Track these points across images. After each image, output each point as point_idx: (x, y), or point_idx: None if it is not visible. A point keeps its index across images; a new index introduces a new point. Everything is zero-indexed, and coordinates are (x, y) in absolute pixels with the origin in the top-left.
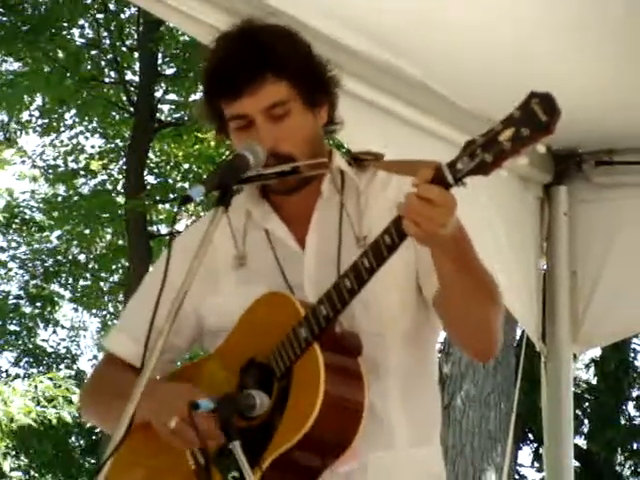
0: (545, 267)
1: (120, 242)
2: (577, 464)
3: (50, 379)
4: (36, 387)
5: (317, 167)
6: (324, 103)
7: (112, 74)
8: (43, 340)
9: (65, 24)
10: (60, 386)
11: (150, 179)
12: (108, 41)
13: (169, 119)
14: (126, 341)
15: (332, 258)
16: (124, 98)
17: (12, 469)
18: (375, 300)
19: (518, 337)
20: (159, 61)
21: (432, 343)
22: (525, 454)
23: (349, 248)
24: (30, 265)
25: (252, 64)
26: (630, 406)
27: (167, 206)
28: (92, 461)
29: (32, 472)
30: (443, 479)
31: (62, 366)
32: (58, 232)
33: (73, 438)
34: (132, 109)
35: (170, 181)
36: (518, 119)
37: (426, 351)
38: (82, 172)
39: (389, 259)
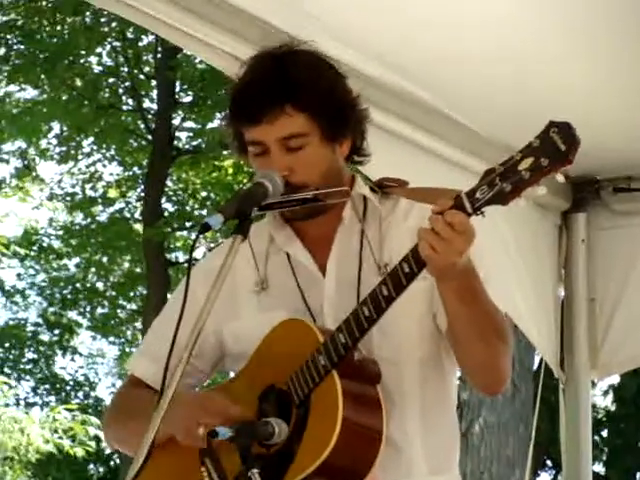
0: (563, 294)
1: (138, 270)
2: None
3: (68, 410)
4: (54, 418)
5: (338, 195)
6: (346, 137)
7: (130, 102)
8: (61, 368)
9: (83, 52)
10: (77, 417)
11: (168, 207)
12: (126, 69)
13: (187, 147)
14: (148, 364)
15: (352, 284)
16: (142, 126)
17: None
18: (394, 328)
19: (536, 364)
20: (177, 89)
21: (451, 372)
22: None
23: (369, 275)
24: (48, 293)
25: (274, 94)
26: None
27: (185, 234)
28: None
29: None
30: None
31: (80, 394)
32: (76, 260)
33: (92, 466)
34: (150, 137)
35: (188, 209)
36: (537, 148)
37: (444, 379)
38: (100, 200)
39: (408, 288)
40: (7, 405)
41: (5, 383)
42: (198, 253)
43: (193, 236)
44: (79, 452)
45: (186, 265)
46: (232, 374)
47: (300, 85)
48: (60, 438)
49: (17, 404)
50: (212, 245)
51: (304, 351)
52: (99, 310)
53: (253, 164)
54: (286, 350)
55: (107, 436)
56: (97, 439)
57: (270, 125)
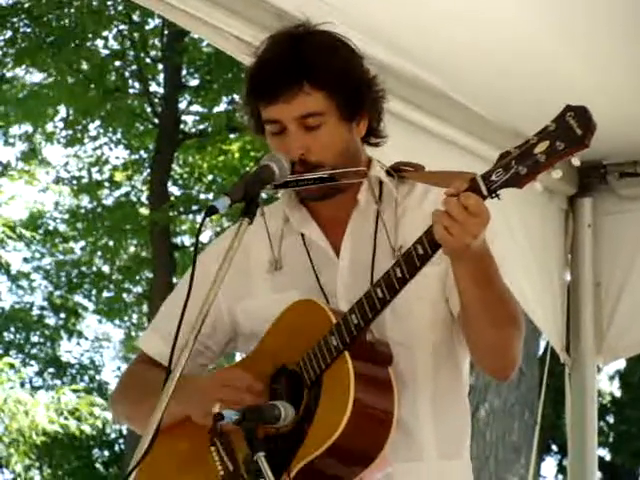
0: (569, 279)
1: (144, 253)
2: (600, 476)
3: (73, 391)
4: (59, 399)
5: (354, 175)
6: (363, 117)
7: (136, 85)
8: (67, 351)
9: (89, 35)
10: (82, 398)
11: (174, 190)
12: (132, 52)
13: (193, 130)
14: (158, 341)
15: (366, 266)
16: (148, 109)
17: None
18: (407, 311)
19: (542, 349)
20: (183, 72)
21: (463, 357)
22: (549, 466)
23: (384, 257)
24: (54, 276)
25: (291, 72)
26: None
27: (191, 217)
28: (115, 472)
29: None
30: None
31: (85, 377)
32: (82, 243)
33: (96, 450)
34: (156, 120)
35: (194, 192)
36: (553, 132)
37: (457, 365)
38: (106, 183)
39: (422, 269)
40: (12, 388)
41: (11, 366)
42: (204, 236)
43: (199, 220)
44: (86, 429)
45: (192, 249)
46: (238, 357)
47: (317, 63)
48: (65, 419)
49: (22, 387)
50: (218, 229)
51: (316, 332)
52: (105, 294)
53: (270, 143)
54: (298, 331)
55: (116, 412)
56: (102, 422)
57: (287, 104)
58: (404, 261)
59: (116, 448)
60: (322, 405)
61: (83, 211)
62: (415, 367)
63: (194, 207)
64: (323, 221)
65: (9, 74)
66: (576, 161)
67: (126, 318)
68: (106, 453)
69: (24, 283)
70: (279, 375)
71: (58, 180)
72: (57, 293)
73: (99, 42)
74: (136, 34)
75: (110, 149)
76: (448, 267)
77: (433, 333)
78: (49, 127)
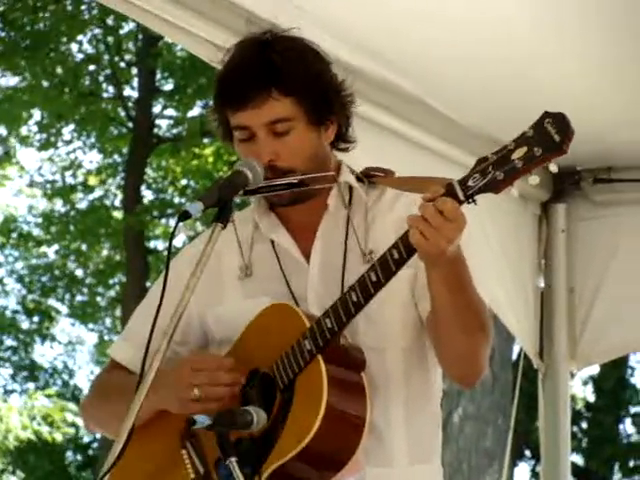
0: (543, 284)
1: (117, 257)
2: None
3: (47, 396)
4: (32, 405)
5: (324, 180)
6: (332, 122)
7: (110, 89)
8: (40, 355)
9: (64, 40)
10: (55, 403)
11: (148, 194)
12: (107, 56)
13: (167, 135)
14: (129, 348)
15: (337, 271)
16: (122, 113)
17: None
18: (379, 315)
19: (515, 354)
20: (157, 77)
21: (434, 361)
22: (522, 471)
23: (354, 262)
24: (27, 280)
25: (259, 78)
26: (628, 423)
27: (164, 222)
28: (88, 477)
29: None
30: None
31: (59, 381)
32: (55, 247)
33: (69, 454)
34: (130, 124)
35: (168, 197)
36: (531, 138)
37: (428, 369)
38: (80, 187)
39: (397, 274)
40: None
41: None
42: (178, 241)
43: (173, 224)
44: (58, 437)
45: (165, 253)
46: None
47: (285, 69)
48: (38, 425)
49: None
50: (192, 233)
51: (289, 335)
52: (78, 297)
53: (238, 150)
54: (272, 334)
55: (86, 418)
56: (75, 426)
57: (256, 110)
58: (379, 265)
59: (90, 452)
60: (294, 409)
61: (57, 215)
62: (387, 371)
63: (168, 211)
64: (293, 227)
65: None
66: (554, 167)
67: (99, 322)
68: (79, 457)
69: None
70: (252, 378)
71: (32, 184)
72: (30, 297)
73: (73, 46)
74: (110, 38)
75: (84, 153)
76: (417, 272)
77: (404, 336)
78: (23, 130)
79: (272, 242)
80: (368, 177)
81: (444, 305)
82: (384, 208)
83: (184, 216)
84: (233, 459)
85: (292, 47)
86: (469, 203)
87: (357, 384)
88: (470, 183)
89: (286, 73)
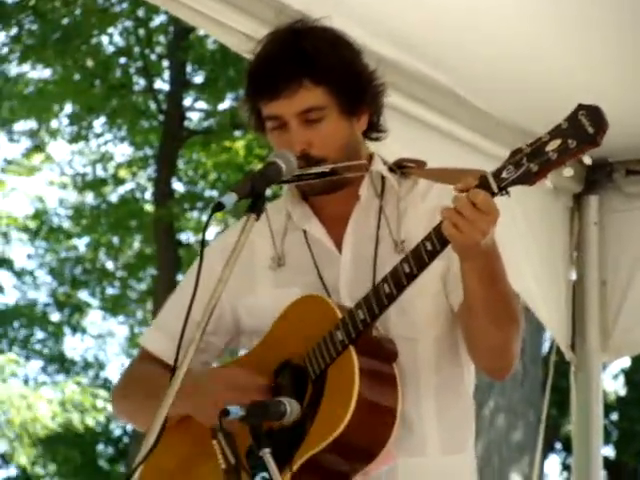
0: (575, 277)
1: (148, 250)
2: (605, 474)
3: (77, 383)
4: (63, 392)
5: (356, 169)
6: (364, 111)
7: (141, 82)
8: (71, 348)
9: (95, 32)
10: (85, 391)
11: (179, 187)
12: (137, 49)
13: (198, 127)
14: (161, 338)
15: (368, 261)
16: (153, 106)
17: (40, 476)
18: (410, 305)
19: (546, 347)
20: (188, 69)
21: (466, 352)
22: (552, 464)
23: (386, 252)
24: (58, 273)
25: (291, 68)
26: None
27: (195, 214)
28: (120, 469)
29: (59, 479)
30: None
31: (89, 374)
32: (86, 240)
33: (101, 446)
34: (161, 117)
35: (198, 190)
36: (565, 130)
37: (460, 359)
38: (110, 180)
39: (430, 265)
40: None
41: (15, 362)
42: (210, 233)
43: (204, 217)
44: (89, 423)
45: (196, 246)
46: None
47: (317, 58)
48: (68, 412)
49: (26, 383)
50: (223, 226)
51: (322, 327)
52: (109, 290)
53: (271, 140)
54: (303, 326)
55: (117, 408)
56: (106, 417)
57: (288, 99)
58: (412, 257)
59: (120, 445)
60: (326, 400)
61: (87, 207)
62: (418, 362)
63: (198, 204)
64: (325, 217)
65: (15, 71)
66: (587, 159)
67: (130, 315)
68: (110, 450)
69: (28, 279)
70: (283, 369)
71: (63, 176)
72: (61, 289)
73: (104, 39)
74: (141, 31)
75: (115, 145)
76: (450, 263)
77: (435, 327)
78: (54, 123)
79: (304, 232)
80: (400, 168)
81: (477, 297)
82: (416, 199)
83: (218, 207)
84: (267, 450)
85: (323, 36)
86: (502, 195)
87: (389, 375)
88: (504, 175)
89: (318, 62)
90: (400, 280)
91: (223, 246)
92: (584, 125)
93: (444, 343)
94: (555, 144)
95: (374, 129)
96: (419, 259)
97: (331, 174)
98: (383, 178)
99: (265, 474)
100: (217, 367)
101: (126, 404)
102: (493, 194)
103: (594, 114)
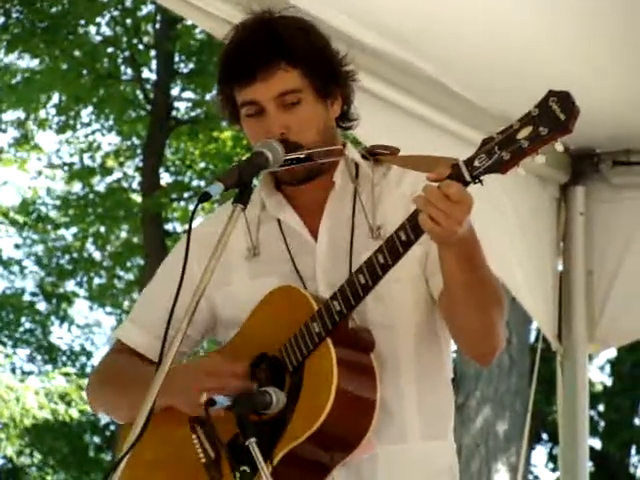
0: (561, 267)
1: (135, 240)
2: (591, 465)
3: (65, 374)
4: (50, 383)
5: (331, 155)
6: (337, 96)
7: (129, 72)
8: (58, 337)
9: (82, 22)
10: (72, 382)
11: (166, 177)
12: (125, 39)
13: (185, 117)
14: (137, 331)
15: (345, 248)
16: (140, 96)
17: (26, 466)
18: (388, 292)
19: (533, 337)
20: (176, 59)
21: (446, 336)
22: (539, 454)
23: (362, 238)
24: (45, 263)
25: (266, 51)
26: None
27: (183, 204)
28: (107, 458)
29: (46, 469)
30: (455, 473)
31: (77, 364)
32: (74, 230)
33: (87, 435)
34: (148, 107)
35: (186, 179)
36: (536, 118)
37: (439, 344)
38: (98, 170)
39: (404, 255)
40: (2, 372)
41: (1, 352)
42: (197, 223)
43: (191, 207)
44: (74, 414)
45: (183, 236)
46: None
47: (291, 42)
48: (55, 404)
49: (13, 373)
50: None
51: (297, 318)
52: (96, 280)
53: (246, 128)
54: (279, 317)
55: (94, 401)
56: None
57: (265, 82)
58: (387, 247)
59: (107, 433)
60: (304, 392)
61: (75, 197)
62: (397, 348)
63: (186, 194)
64: (300, 206)
65: (2, 60)
66: (560, 146)
67: (117, 305)
68: (97, 439)
69: (15, 269)
70: (260, 361)
71: (50, 166)
72: (48, 279)
73: (92, 28)
74: (129, 20)
75: (102, 135)
76: (428, 249)
77: (414, 314)
78: (42, 113)
79: (279, 222)
80: (373, 155)
81: (457, 282)
82: (391, 184)
83: (204, 197)
84: (253, 440)
85: (294, 23)
86: (475, 183)
87: (367, 366)
88: (476, 163)
89: (292, 46)
90: (375, 270)
91: (200, 237)
92: (555, 112)
93: (423, 329)
94: (526, 132)
95: (346, 117)
96: (393, 250)
97: (305, 160)
98: (356, 165)
99: (246, 467)
100: (194, 358)
101: (104, 397)
102: (466, 183)
103: (565, 100)
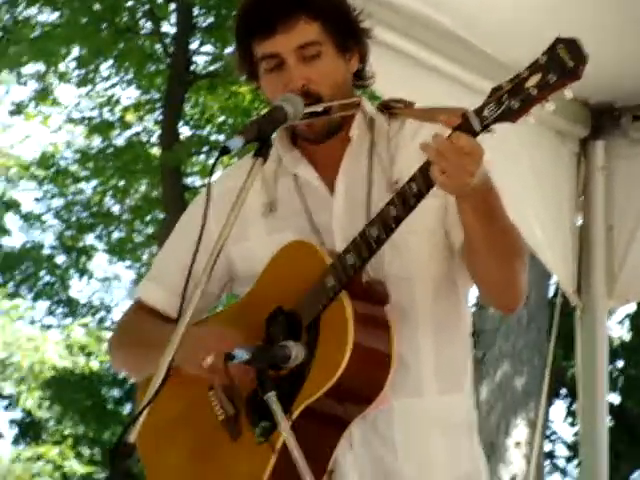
0: (581, 222)
1: (154, 194)
2: (610, 420)
3: (84, 325)
4: (69, 335)
5: (348, 107)
6: (355, 51)
7: (148, 25)
8: (78, 291)
9: None
10: (92, 334)
11: (185, 131)
12: None
13: (204, 71)
14: (157, 289)
15: (362, 202)
16: (160, 50)
17: (46, 419)
18: (404, 244)
19: (552, 292)
20: (195, 12)
21: (464, 289)
22: (558, 409)
23: (379, 192)
24: (65, 216)
25: (286, 4)
26: None
27: (202, 158)
28: (125, 411)
29: (65, 422)
30: (473, 426)
31: (96, 317)
32: (93, 183)
33: (106, 388)
34: (168, 60)
35: (205, 133)
36: (544, 65)
37: (457, 297)
38: (117, 124)
39: (416, 207)
40: (22, 325)
41: (17, 307)
42: (215, 177)
43: (210, 161)
44: (94, 365)
45: (202, 190)
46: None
47: None
48: (74, 356)
49: (33, 325)
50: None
51: (311, 273)
52: (115, 234)
53: (266, 83)
54: (293, 272)
55: (116, 360)
56: None
57: (285, 34)
58: (398, 199)
59: (126, 386)
60: (321, 346)
61: (94, 151)
62: (414, 300)
63: (205, 148)
64: (317, 161)
65: (22, 14)
66: (569, 93)
67: (136, 258)
68: (116, 392)
69: (35, 223)
70: (276, 316)
71: (70, 120)
72: (68, 233)
73: None
74: None
75: (122, 89)
76: (447, 201)
77: (431, 265)
78: (61, 67)
79: (296, 177)
80: (388, 109)
81: (476, 234)
82: (406, 137)
83: (224, 151)
84: (272, 393)
85: None
86: (486, 133)
87: (382, 319)
88: (485, 113)
89: None
90: (388, 223)
91: (218, 192)
92: (563, 59)
93: (441, 281)
94: (535, 80)
95: (361, 75)
96: (405, 202)
97: (323, 113)
98: (372, 120)
99: (265, 423)
100: (204, 323)
101: (125, 357)
102: (476, 134)
103: (573, 47)
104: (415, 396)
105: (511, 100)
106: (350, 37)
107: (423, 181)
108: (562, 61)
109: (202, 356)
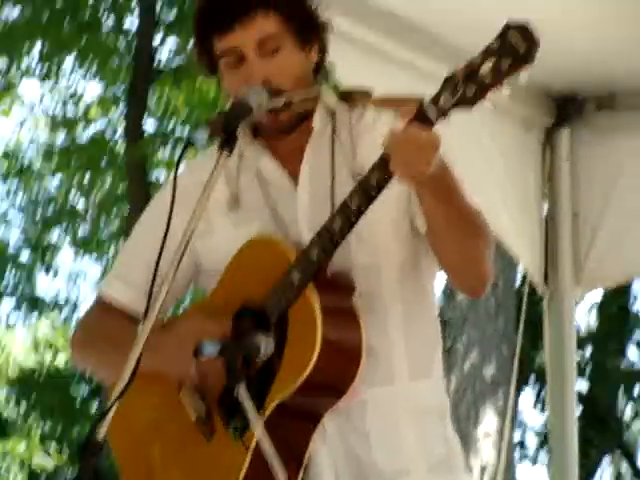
0: (547, 210)
1: (119, 189)
2: (579, 407)
3: (50, 321)
4: (35, 330)
5: (310, 100)
6: (314, 43)
7: (111, 20)
8: (43, 287)
9: None
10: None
11: (150, 126)
12: None
13: (169, 66)
14: (121, 286)
15: (326, 192)
16: (123, 44)
17: (13, 416)
18: (370, 233)
19: (520, 281)
20: (158, 7)
21: (430, 274)
22: (526, 397)
23: (344, 181)
24: (29, 212)
25: None
26: (631, 351)
27: (167, 153)
28: (94, 408)
29: (33, 419)
30: (445, 410)
31: (62, 313)
32: (57, 179)
33: (74, 386)
34: (131, 55)
35: (170, 128)
36: (497, 50)
37: (424, 283)
38: (81, 119)
39: (378, 197)
40: None
41: None
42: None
43: (175, 155)
44: (61, 360)
45: (171, 180)
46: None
47: None
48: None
49: None
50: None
51: (275, 268)
52: (80, 230)
53: (226, 79)
54: (256, 268)
55: (79, 359)
56: None
57: (245, 29)
58: (359, 191)
59: (94, 384)
60: (290, 342)
61: (58, 147)
62: (382, 288)
63: (170, 142)
64: (279, 153)
65: None
66: (524, 77)
67: (102, 254)
68: (83, 389)
69: None
70: (243, 312)
71: (33, 116)
72: (33, 229)
73: None
74: None
75: (86, 83)
76: (409, 189)
77: (397, 251)
78: (25, 62)
79: (258, 171)
80: (348, 98)
81: (436, 216)
82: (367, 125)
83: (189, 144)
84: (242, 384)
85: None
86: (441, 122)
87: (349, 310)
88: (441, 102)
89: None
90: (349, 216)
91: (180, 187)
92: (515, 43)
93: (406, 268)
94: (488, 66)
95: (320, 68)
96: (366, 194)
97: (286, 107)
98: (333, 110)
99: (238, 423)
100: (176, 316)
101: (88, 356)
102: (432, 124)
103: (524, 31)
104: (386, 384)
105: (466, 87)
106: (309, 30)
107: (382, 173)
108: (514, 46)
109: (184, 366)
